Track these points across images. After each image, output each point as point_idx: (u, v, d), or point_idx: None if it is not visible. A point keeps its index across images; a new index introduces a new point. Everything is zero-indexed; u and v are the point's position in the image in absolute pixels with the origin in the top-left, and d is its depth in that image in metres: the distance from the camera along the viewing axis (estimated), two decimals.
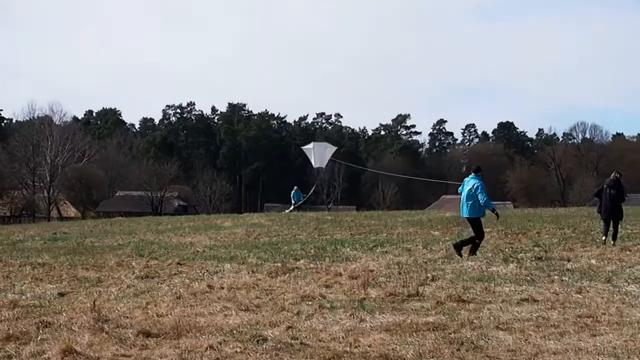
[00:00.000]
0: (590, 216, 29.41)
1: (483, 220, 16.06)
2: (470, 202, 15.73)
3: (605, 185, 19.17)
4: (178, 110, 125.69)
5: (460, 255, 15.31)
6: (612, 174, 19.49)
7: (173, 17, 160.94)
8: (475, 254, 15.53)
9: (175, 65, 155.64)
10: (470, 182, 15.82)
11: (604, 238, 18.42)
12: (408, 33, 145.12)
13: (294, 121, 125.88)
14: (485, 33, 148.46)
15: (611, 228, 18.46)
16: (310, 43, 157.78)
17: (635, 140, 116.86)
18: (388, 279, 12.67)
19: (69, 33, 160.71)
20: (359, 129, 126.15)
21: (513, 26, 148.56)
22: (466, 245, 15.91)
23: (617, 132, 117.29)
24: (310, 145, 20.24)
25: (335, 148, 20.27)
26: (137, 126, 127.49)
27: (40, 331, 8.61)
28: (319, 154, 19.22)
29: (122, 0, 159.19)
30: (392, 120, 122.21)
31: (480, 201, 15.48)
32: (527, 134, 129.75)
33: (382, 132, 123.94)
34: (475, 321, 8.73)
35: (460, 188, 16.26)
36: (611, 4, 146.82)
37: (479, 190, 15.58)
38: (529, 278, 12.55)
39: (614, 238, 18.31)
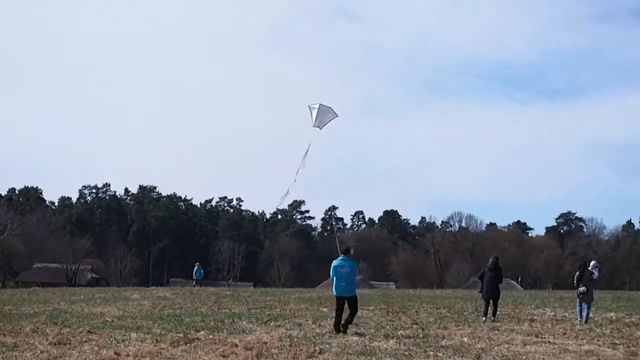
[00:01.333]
0: (464, 298, 32.01)
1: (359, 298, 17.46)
2: (349, 281, 16.76)
3: (486, 269, 21.51)
4: (94, 190, 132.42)
5: (345, 332, 16.13)
6: (491, 259, 22.09)
7: (91, 107, 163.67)
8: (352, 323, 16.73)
9: (94, 148, 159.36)
10: (345, 264, 16.79)
11: (484, 319, 20.38)
12: (303, 128, 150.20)
13: (200, 203, 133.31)
14: (376, 127, 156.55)
15: (491, 306, 20.67)
16: (216, 137, 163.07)
17: (506, 230, 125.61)
18: (280, 351, 13.53)
19: None
20: (258, 212, 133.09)
21: (399, 123, 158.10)
22: (349, 323, 16.67)
23: (490, 222, 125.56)
24: (316, 105, 20.76)
25: (337, 116, 21.26)
26: (56, 203, 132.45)
27: None
28: (321, 115, 20.29)
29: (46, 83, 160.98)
30: (288, 205, 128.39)
31: (355, 281, 16.89)
32: (409, 221, 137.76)
33: (279, 216, 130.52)
34: None
35: (332, 271, 16.94)
36: (483, 105, 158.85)
37: (357, 271, 17.08)
38: (407, 353, 13.58)
39: (494, 314, 20.61)
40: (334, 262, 17.22)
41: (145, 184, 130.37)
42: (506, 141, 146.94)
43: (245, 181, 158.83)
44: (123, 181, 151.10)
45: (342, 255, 17.39)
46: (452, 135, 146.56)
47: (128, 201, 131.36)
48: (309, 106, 20.92)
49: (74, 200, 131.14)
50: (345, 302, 16.72)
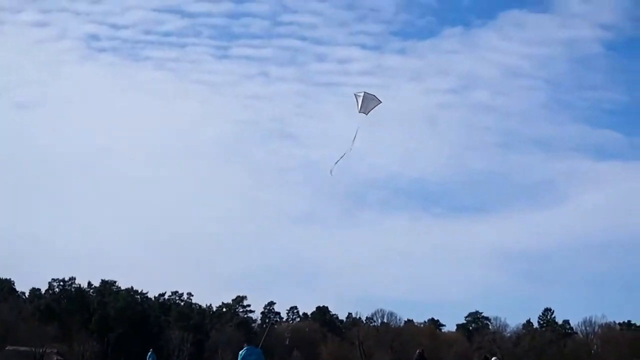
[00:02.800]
0: None
1: None
2: None
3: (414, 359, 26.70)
4: (61, 283, 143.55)
5: None
6: (418, 351, 28.26)
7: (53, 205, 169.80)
8: None
9: (64, 244, 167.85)
10: (254, 352, 18.95)
11: None
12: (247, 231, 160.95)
13: (154, 297, 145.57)
14: (310, 233, 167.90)
15: None
16: (173, 234, 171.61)
17: (422, 325, 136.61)
18: None
19: None
20: (206, 305, 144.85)
21: (330, 230, 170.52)
22: None
23: (408, 319, 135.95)
24: (361, 93, 22.91)
25: (380, 102, 23.44)
26: (27, 294, 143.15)
27: None
28: (366, 102, 22.59)
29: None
30: (232, 300, 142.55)
31: None
32: (338, 316, 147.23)
33: (224, 309, 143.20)
34: None
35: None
36: (402, 216, 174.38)
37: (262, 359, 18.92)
38: None
39: None
40: (241, 352, 19.10)
41: (106, 278, 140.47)
42: (422, 248, 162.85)
43: (196, 274, 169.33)
44: (87, 275, 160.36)
45: (246, 345, 19.45)
46: (376, 242, 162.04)
47: (91, 293, 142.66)
48: (355, 94, 22.06)
49: (43, 291, 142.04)
50: None
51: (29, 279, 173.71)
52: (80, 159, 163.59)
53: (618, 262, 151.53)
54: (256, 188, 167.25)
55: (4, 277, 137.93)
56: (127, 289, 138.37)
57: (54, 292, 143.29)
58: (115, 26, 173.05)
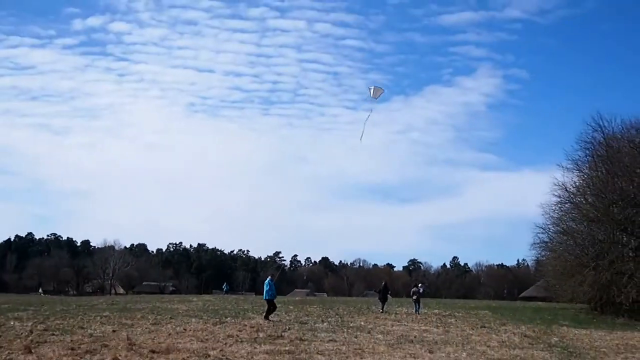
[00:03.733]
0: (363, 302, 50.40)
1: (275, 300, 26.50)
2: (272, 292, 26.33)
3: (381, 287, 36.24)
4: (174, 245, 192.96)
5: (267, 319, 25.53)
6: (383, 282, 37.16)
7: None
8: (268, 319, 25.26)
9: (178, 223, 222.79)
10: (268, 282, 26.60)
11: (380, 310, 32.85)
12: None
13: (228, 252, 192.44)
14: (310, 217, 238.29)
15: (381, 306, 33.79)
16: (239, 216, 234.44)
17: (382, 267, 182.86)
18: (267, 328, 21.28)
19: None
20: (258, 257, 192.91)
21: (323, 215, 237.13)
22: (269, 313, 26.09)
23: (374, 263, 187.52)
24: (372, 86, 25.70)
25: (384, 91, 26.10)
26: (154, 251, 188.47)
27: (100, 350, 15.62)
28: (376, 92, 25.61)
29: None
30: (273, 253, 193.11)
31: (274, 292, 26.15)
32: (334, 262, 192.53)
33: (268, 259, 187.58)
34: (308, 349, 16.69)
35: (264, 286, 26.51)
36: (368, 206, 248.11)
37: (273, 287, 26.55)
38: (331, 329, 21.59)
39: (382, 309, 33.05)
40: (265, 281, 27.27)
41: (200, 242, 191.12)
42: (382, 222, 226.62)
43: (251, 237, 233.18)
44: (189, 240, 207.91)
45: (268, 278, 27.14)
46: (356, 219, 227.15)
47: (192, 251, 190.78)
48: (368, 87, 26.32)
49: (164, 250, 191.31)
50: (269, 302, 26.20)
51: (156, 242, 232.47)
52: (186, 175, 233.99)
53: (495, 228, 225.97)
54: (285, 188, 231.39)
55: (141, 242, 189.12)
56: (212, 248, 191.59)
57: (170, 251, 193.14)
58: (204, 97, 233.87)
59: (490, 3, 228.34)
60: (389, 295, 39.74)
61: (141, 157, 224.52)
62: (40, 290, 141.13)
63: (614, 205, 42.03)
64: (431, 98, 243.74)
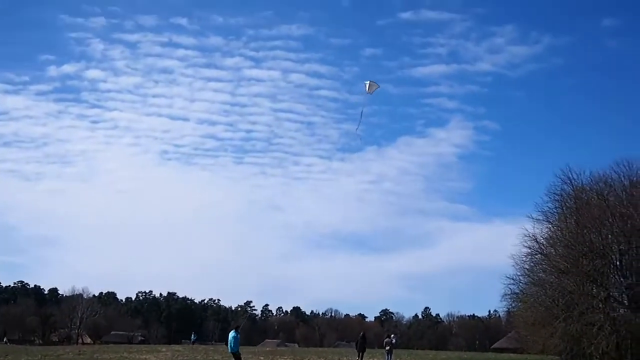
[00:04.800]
0: (340, 352, 55.77)
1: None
2: (236, 344, 26.71)
3: (359, 338, 38.61)
4: (144, 293, 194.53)
5: None
6: (361, 333, 40.15)
7: None
8: None
9: (148, 271, 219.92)
10: (232, 334, 26.98)
11: (357, 358, 35.86)
12: None
13: (198, 301, 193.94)
14: (287, 266, 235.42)
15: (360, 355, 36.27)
16: (210, 264, 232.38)
17: (354, 317, 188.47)
18: None
19: None
20: (229, 306, 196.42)
21: (298, 264, 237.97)
22: None
23: (346, 313, 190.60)
24: (367, 82, 26.65)
25: (378, 86, 26.87)
26: (123, 300, 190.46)
27: None
28: (371, 87, 26.90)
29: None
30: (244, 302, 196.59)
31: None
32: (306, 312, 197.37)
33: (239, 308, 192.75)
34: None
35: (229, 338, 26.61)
36: (343, 255, 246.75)
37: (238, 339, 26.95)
38: None
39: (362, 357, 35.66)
40: (230, 333, 27.30)
41: (170, 290, 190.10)
42: (354, 271, 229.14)
43: (222, 286, 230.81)
44: (159, 288, 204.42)
45: (233, 330, 27.40)
46: (329, 268, 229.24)
47: (161, 299, 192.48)
48: (364, 83, 27.52)
49: (133, 298, 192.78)
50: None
51: (126, 290, 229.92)
52: (158, 223, 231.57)
53: (467, 279, 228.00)
54: (257, 237, 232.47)
55: (110, 290, 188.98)
56: (183, 297, 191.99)
57: (139, 299, 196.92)
58: (177, 145, 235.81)
59: (462, 56, 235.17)
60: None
61: (112, 204, 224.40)
62: (4, 339, 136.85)
63: (583, 257, 42.46)
64: (404, 149, 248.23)
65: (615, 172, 45.56)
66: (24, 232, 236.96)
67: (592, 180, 46.08)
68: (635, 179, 45.28)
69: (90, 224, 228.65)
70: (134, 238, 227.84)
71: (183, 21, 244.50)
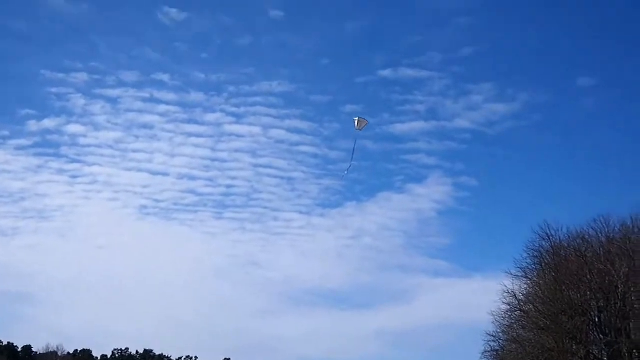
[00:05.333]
0: None
1: None
2: None
3: None
4: (120, 351, 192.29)
5: None
6: None
7: None
8: None
9: (124, 330, 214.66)
10: None
11: None
12: None
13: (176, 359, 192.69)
14: (264, 324, 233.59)
15: None
16: (185, 321, 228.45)
17: None
18: None
19: None
20: None
21: (275, 321, 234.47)
22: None
23: None
24: (357, 118, 27.94)
25: (367, 122, 27.91)
26: (99, 357, 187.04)
27: None
28: (360, 123, 28.17)
29: None
30: None
31: None
32: None
33: None
34: None
35: None
36: (321, 311, 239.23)
37: None
38: None
39: None
40: None
41: (147, 348, 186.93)
42: (333, 329, 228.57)
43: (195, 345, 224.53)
44: (135, 346, 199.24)
45: None
46: (307, 325, 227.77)
47: (138, 357, 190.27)
48: (353, 119, 28.84)
49: (109, 355, 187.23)
50: None
51: (102, 347, 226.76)
52: (136, 278, 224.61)
53: (446, 335, 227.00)
54: (236, 293, 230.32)
55: (86, 347, 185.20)
56: (160, 354, 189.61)
57: (115, 357, 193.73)
58: (157, 200, 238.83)
59: (441, 113, 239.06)
60: None
61: (90, 260, 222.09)
62: None
63: (562, 314, 42.30)
64: (383, 204, 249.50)
65: (592, 228, 45.91)
66: None
67: (570, 237, 46.39)
68: (612, 235, 45.53)
69: (67, 279, 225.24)
70: (111, 294, 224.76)
71: (165, 77, 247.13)
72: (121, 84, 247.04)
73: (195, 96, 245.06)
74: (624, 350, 41.13)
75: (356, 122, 29.56)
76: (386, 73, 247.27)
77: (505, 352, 47.98)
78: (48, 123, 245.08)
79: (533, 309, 45.34)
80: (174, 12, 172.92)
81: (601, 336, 42.71)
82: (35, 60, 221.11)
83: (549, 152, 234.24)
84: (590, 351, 42.40)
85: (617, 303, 42.26)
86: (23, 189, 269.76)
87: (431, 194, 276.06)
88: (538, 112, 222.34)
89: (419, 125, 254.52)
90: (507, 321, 47.45)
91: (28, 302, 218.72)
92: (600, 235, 45.78)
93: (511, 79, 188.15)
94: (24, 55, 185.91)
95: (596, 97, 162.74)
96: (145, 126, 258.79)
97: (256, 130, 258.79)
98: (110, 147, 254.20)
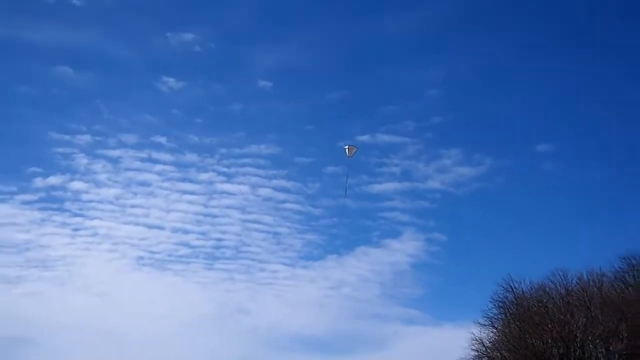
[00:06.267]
0: None
1: None
2: None
3: None
4: None
5: None
6: None
7: None
8: None
9: None
10: None
11: None
12: None
13: None
14: None
15: None
16: None
17: None
18: None
19: None
20: None
21: None
22: None
23: None
24: (347, 145, 28.11)
25: (357, 149, 28.24)
26: None
27: None
28: (350, 151, 28.66)
29: None
30: None
31: None
32: None
33: None
34: None
35: None
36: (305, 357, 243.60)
37: None
38: None
39: None
40: None
41: None
42: None
43: None
44: None
45: None
46: None
47: None
48: (343, 147, 29.32)
49: None
50: None
51: None
52: (131, 326, 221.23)
53: None
54: (225, 341, 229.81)
55: None
56: None
57: None
58: (153, 252, 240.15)
59: (414, 175, 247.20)
60: None
61: (89, 307, 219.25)
62: None
63: None
64: (362, 258, 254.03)
65: (552, 281, 49.72)
66: None
67: (531, 289, 49.91)
68: (570, 287, 49.28)
69: (66, 325, 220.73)
70: (108, 339, 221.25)
71: (162, 140, 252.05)
72: (122, 145, 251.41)
73: (190, 157, 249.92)
74: None
75: (347, 150, 30.32)
76: (364, 138, 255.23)
77: None
78: (53, 180, 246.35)
79: (499, 356, 48.29)
80: (171, 81, 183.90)
81: None
82: (43, 122, 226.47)
83: (512, 211, 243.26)
84: None
85: (577, 351, 45.59)
86: (28, 240, 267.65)
87: (405, 249, 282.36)
88: (501, 175, 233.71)
89: (394, 185, 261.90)
90: None
91: (29, 346, 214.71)
92: (559, 287, 49.53)
93: (477, 145, 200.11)
94: (34, 118, 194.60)
95: (554, 161, 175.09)
96: (143, 184, 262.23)
97: (245, 188, 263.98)
98: (111, 202, 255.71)
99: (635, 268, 52.74)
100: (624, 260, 53.48)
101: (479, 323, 50.24)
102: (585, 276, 50.76)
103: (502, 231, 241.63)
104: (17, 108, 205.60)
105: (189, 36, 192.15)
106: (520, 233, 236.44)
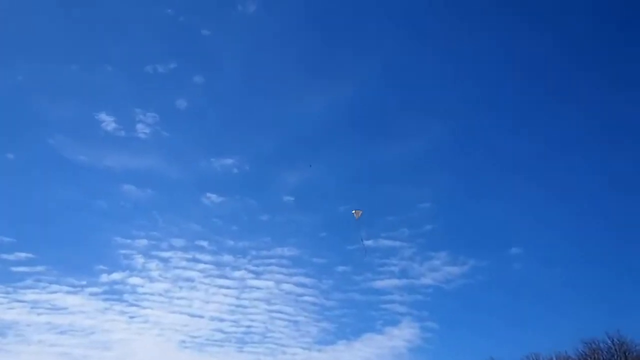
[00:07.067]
0: None
1: None
2: None
3: None
4: None
5: None
6: None
7: None
8: None
9: None
10: None
11: None
12: None
13: None
14: None
15: None
16: None
17: None
18: None
19: None
20: None
21: None
22: None
23: None
24: (354, 211, 27.73)
25: (362, 211, 26.71)
26: None
27: None
28: (357, 214, 27.86)
29: None
30: None
31: None
32: None
33: None
34: None
35: None
36: None
37: None
38: None
39: None
40: None
41: None
42: None
43: None
44: None
45: None
46: None
47: None
48: (352, 213, 30.83)
49: None
50: None
51: None
52: None
53: None
54: None
55: None
56: None
57: None
58: (193, 336, 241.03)
59: (410, 273, 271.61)
60: None
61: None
62: None
63: None
64: (367, 343, 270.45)
65: None
66: None
67: None
68: None
69: None
70: None
71: (204, 243, 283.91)
72: (172, 247, 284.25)
73: (226, 258, 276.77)
74: None
75: (355, 214, 34.14)
76: (369, 243, 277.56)
77: None
78: (116, 276, 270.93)
79: None
80: (214, 196, 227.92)
81: None
82: (111, 230, 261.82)
83: (491, 303, 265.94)
84: None
85: None
86: (93, 325, 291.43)
87: (403, 335, 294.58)
88: (481, 274, 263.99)
89: (393, 282, 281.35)
90: None
91: None
92: None
93: (462, 248, 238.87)
94: (104, 226, 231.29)
95: (523, 262, 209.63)
96: (187, 279, 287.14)
97: (271, 284, 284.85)
98: (161, 294, 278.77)
99: (596, 351, 65.23)
100: (586, 345, 66.22)
101: None
102: (554, 358, 62.77)
103: (483, 320, 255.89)
104: (93, 217, 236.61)
105: (228, 161, 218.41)
106: (497, 321, 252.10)
